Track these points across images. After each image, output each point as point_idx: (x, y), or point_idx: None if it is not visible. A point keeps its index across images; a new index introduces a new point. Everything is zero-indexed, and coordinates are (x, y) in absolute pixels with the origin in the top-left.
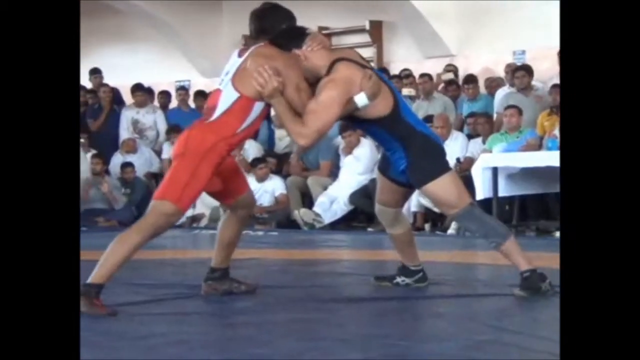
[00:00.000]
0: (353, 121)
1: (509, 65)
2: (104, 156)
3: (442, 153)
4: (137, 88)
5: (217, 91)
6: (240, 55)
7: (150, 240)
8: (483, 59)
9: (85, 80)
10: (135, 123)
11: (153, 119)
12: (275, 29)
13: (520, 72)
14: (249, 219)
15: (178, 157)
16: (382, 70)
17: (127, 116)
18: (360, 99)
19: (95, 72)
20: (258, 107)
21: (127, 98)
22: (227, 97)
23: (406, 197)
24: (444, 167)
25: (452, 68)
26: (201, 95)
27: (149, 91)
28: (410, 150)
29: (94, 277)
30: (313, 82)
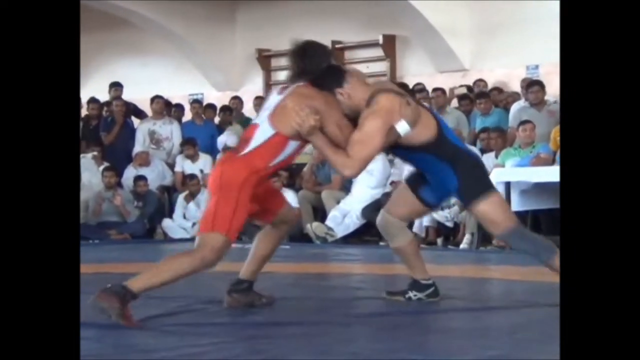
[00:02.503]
0: (395, 150)
1: (524, 80)
2: (116, 169)
3: (486, 172)
4: (157, 97)
5: (254, 125)
6: (280, 93)
7: (195, 273)
8: (496, 73)
9: (101, 94)
10: (152, 134)
11: (170, 130)
12: (315, 69)
13: (535, 87)
14: (287, 234)
15: (217, 192)
16: (401, 86)
17: (142, 129)
18: (402, 127)
19: (115, 85)
20: (292, 145)
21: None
22: (263, 132)
23: (421, 216)
24: (491, 187)
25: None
26: (211, 108)
27: (166, 104)
28: (459, 170)
29: (132, 283)
30: (354, 118)
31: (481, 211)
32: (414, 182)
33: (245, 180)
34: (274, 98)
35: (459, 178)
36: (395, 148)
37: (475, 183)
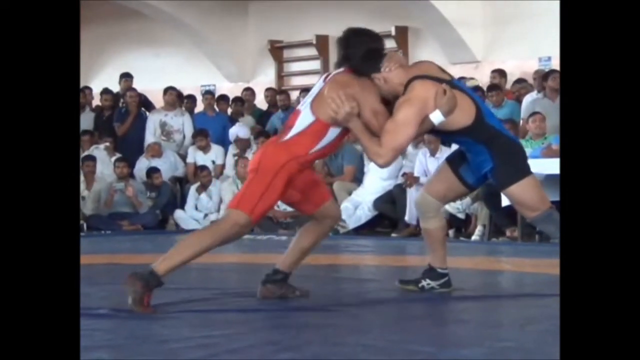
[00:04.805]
0: (437, 133)
1: (537, 72)
2: (128, 160)
3: (525, 156)
4: (170, 88)
5: (297, 111)
6: (325, 80)
7: (219, 247)
8: (508, 65)
9: (113, 84)
10: (163, 125)
11: (181, 121)
12: (356, 56)
13: (556, 74)
14: (330, 230)
15: (252, 172)
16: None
17: (154, 120)
18: (436, 117)
19: (126, 76)
20: (333, 132)
21: (154, 102)
22: (304, 119)
23: (459, 197)
24: (527, 170)
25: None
26: (224, 99)
27: (178, 95)
28: (496, 152)
29: (158, 267)
30: (392, 101)
31: (512, 195)
32: (454, 161)
33: (283, 166)
34: (319, 84)
35: (495, 161)
36: (433, 131)
37: (511, 167)
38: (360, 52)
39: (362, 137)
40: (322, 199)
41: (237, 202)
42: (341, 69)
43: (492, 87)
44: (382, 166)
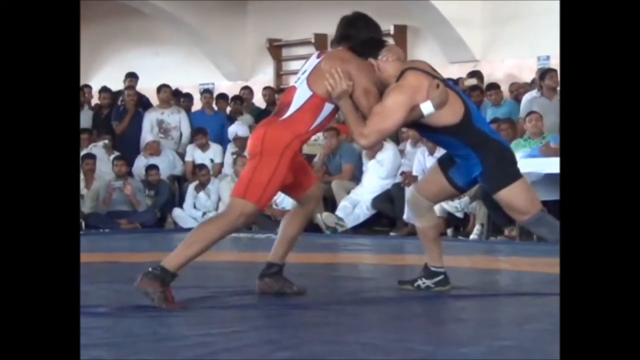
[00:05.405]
0: (421, 129)
1: (540, 70)
2: (127, 158)
3: (515, 160)
4: (163, 85)
5: (292, 88)
6: (318, 57)
7: (227, 236)
8: (507, 64)
9: (112, 83)
10: (160, 123)
11: (178, 119)
12: (357, 38)
13: (553, 73)
14: (313, 213)
15: (256, 156)
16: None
17: (150, 118)
18: (426, 107)
19: (131, 76)
20: (328, 107)
21: (152, 101)
22: (301, 95)
23: (448, 198)
24: (516, 174)
25: (476, 74)
26: (223, 98)
27: (175, 93)
28: (485, 157)
29: (168, 263)
30: (381, 90)
31: (503, 199)
32: (445, 163)
33: (288, 145)
34: (313, 61)
35: (484, 165)
36: (419, 127)
37: (501, 171)
38: (363, 36)
39: (350, 116)
40: (309, 183)
41: (244, 191)
42: (339, 48)
43: (491, 86)
44: (364, 147)
